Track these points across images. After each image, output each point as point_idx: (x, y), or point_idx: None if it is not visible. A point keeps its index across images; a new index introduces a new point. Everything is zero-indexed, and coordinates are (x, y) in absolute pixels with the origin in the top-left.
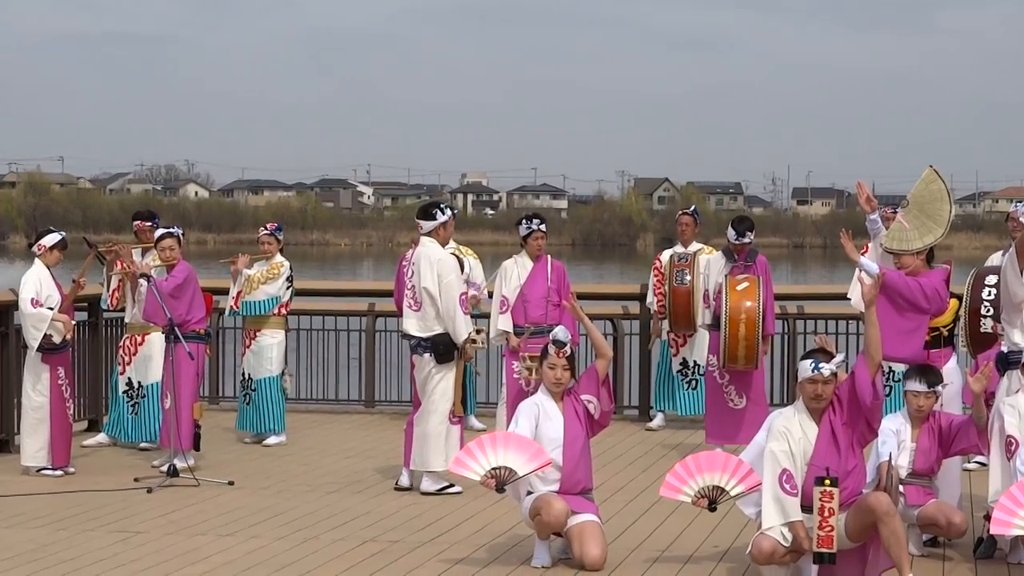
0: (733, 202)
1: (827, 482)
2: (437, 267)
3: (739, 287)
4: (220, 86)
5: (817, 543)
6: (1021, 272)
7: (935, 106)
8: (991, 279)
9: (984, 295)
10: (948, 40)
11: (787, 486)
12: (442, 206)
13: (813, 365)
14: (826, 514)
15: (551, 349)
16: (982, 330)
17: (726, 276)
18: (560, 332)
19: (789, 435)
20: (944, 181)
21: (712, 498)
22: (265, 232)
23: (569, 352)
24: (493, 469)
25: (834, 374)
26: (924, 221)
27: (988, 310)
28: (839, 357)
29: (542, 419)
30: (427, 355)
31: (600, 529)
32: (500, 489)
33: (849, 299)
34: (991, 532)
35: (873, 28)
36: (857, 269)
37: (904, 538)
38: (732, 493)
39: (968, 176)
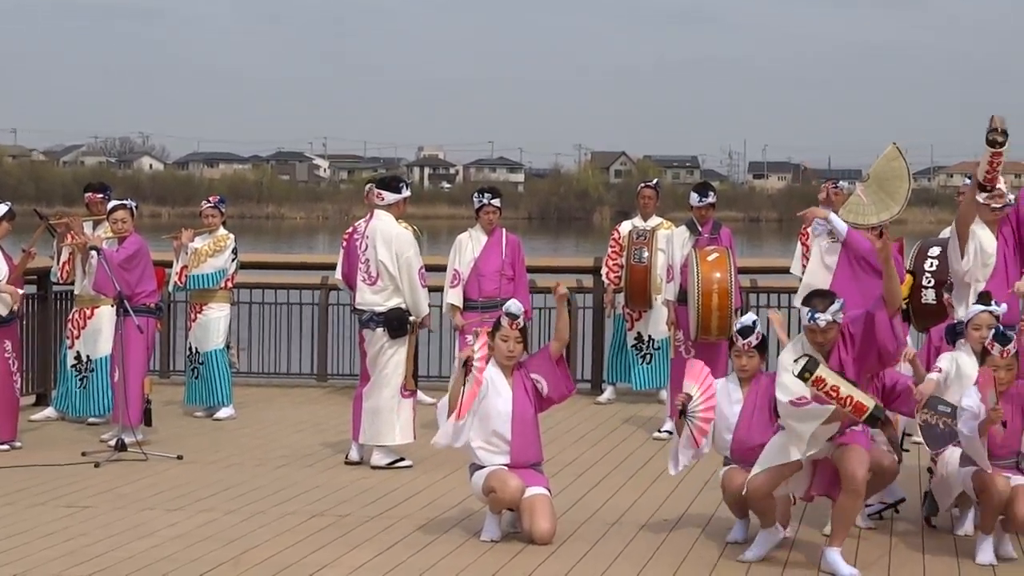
0: (690, 176)
1: (807, 374)
2: (395, 244)
3: (709, 258)
4: (176, 57)
5: (856, 415)
6: (961, 249)
7: (891, 80)
8: (934, 251)
9: (926, 267)
10: (905, 15)
11: (802, 403)
12: (407, 181)
13: (810, 315)
14: (834, 393)
15: (504, 321)
16: (923, 301)
17: (694, 248)
18: (513, 305)
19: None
20: (906, 159)
21: (683, 405)
22: (208, 205)
23: (522, 324)
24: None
25: (833, 322)
26: (882, 197)
27: (929, 281)
28: (836, 304)
29: (491, 393)
30: (380, 329)
31: (550, 503)
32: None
33: (792, 272)
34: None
35: (832, 2)
36: (799, 244)
37: (855, 517)
38: (693, 409)
39: (923, 150)
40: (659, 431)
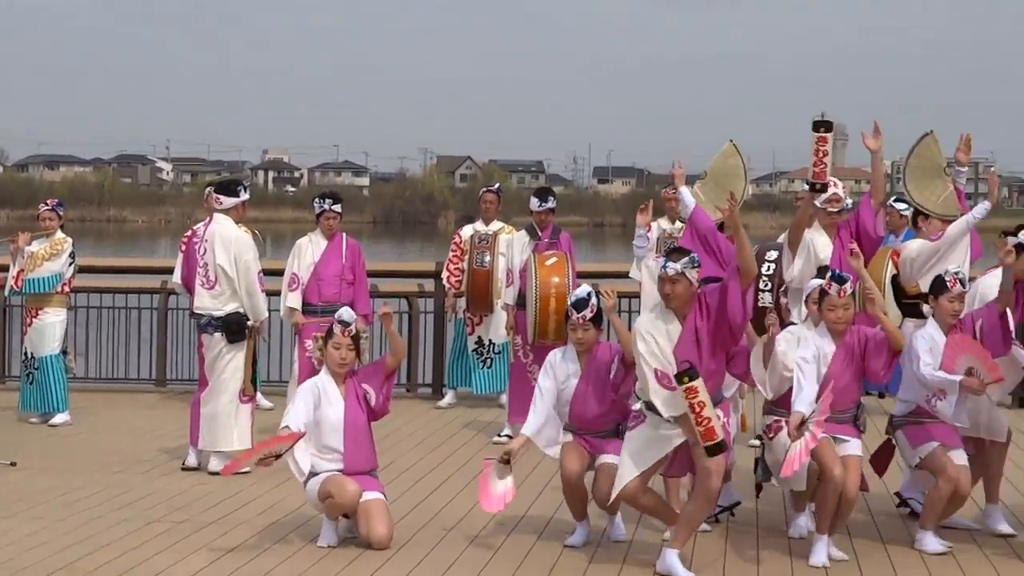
0: (535, 180)
1: (686, 379)
2: (234, 247)
3: (548, 262)
4: (14, 54)
5: (703, 439)
6: (792, 255)
7: (733, 86)
8: (771, 255)
9: (763, 270)
10: (752, 19)
11: (664, 382)
12: (245, 184)
13: (663, 263)
14: (697, 409)
15: (336, 328)
16: (760, 304)
17: (533, 253)
18: (345, 312)
19: (654, 336)
20: (742, 157)
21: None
22: (46, 208)
23: (354, 332)
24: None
25: (681, 273)
26: (720, 194)
27: (766, 284)
28: (688, 258)
29: (323, 402)
30: (218, 334)
31: (386, 507)
32: (277, 457)
33: (631, 277)
34: (784, 474)
35: (676, 5)
36: (636, 249)
37: (701, 522)
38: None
39: (765, 156)
40: (499, 435)
